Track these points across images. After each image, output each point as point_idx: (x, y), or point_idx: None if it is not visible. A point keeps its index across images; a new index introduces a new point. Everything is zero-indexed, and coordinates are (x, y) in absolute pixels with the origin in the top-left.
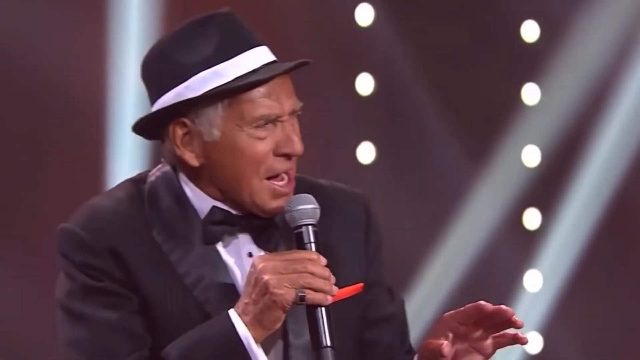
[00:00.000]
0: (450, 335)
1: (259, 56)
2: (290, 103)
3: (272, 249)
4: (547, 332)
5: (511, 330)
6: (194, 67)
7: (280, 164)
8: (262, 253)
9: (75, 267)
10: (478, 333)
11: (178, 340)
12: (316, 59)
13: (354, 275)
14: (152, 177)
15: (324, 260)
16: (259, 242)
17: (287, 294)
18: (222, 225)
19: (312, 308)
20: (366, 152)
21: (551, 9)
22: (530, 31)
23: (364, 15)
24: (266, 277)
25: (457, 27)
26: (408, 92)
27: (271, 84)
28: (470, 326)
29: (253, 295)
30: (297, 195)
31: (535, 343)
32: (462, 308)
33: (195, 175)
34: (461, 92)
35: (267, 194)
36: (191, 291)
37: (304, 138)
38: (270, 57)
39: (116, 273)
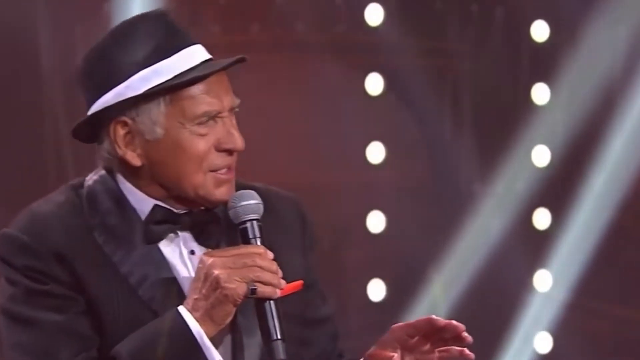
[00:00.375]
0: (399, 347)
1: (196, 54)
2: (228, 99)
3: (213, 246)
4: (557, 332)
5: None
6: (133, 67)
7: (222, 160)
8: (205, 250)
9: (17, 271)
10: (426, 346)
11: (128, 338)
12: (326, 58)
13: (292, 275)
14: (89, 182)
15: (270, 254)
16: (200, 239)
17: (239, 288)
18: (163, 225)
19: (261, 302)
20: (376, 152)
21: (561, 8)
22: (540, 31)
23: (374, 15)
24: (216, 271)
25: (466, 27)
26: (417, 92)
27: (209, 81)
28: (419, 339)
29: (203, 291)
30: (239, 192)
31: (545, 343)
32: (413, 321)
33: (136, 175)
34: (471, 91)
35: (211, 184)
36: (136, 290)
37: (312, 137)
38: (207, 55)
39: (61, 276)
